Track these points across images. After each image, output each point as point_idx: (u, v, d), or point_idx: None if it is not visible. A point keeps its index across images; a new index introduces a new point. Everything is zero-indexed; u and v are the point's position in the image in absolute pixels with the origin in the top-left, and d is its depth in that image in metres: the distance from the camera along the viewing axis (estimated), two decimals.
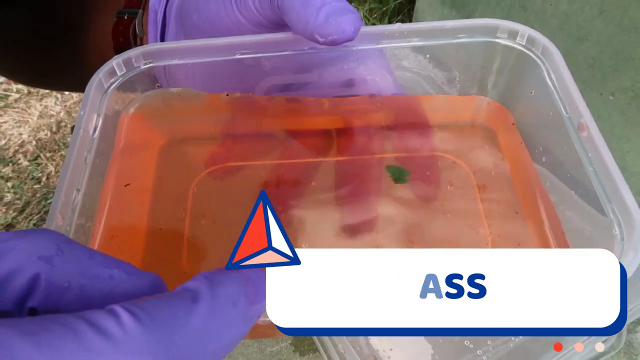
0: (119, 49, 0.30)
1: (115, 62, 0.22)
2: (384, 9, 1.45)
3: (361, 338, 0.39)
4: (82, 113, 0.20)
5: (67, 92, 1.44)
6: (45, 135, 1.29)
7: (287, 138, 0.26)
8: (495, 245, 0.23)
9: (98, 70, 0.22)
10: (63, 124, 1.32)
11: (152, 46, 0.23)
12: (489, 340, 0.39)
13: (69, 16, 0.34)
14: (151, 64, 0.23)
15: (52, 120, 1.35)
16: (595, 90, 0.45)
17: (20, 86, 1.46)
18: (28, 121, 1.36)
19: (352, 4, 1.56)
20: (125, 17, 0.31)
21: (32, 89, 1.43)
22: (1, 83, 1.46)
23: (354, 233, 0.22)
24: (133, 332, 0.12)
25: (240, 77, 0.25)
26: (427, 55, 0.24)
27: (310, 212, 0.23)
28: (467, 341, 0.39)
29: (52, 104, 1.39)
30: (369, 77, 0.25)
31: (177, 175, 0.24)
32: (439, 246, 0.22)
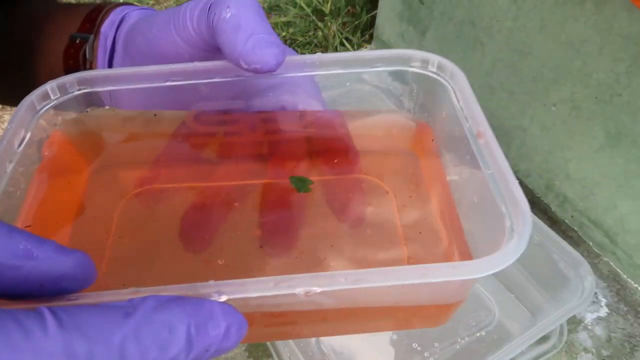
0: (68, 70, 0.31)
1: (50, 86, 0.23)
2: (357, 22, 1.48)
3: (313, 342, 0.40)
4: (9, 127, 0.21)
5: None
6: None
7: (219, 161, 0.27)
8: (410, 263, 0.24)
9: (32, 92, 0.23)
10: None
11: (87, 73, 0.24)
12: (436, 343, 0.41)
13: (24, 38, 0.34)
14: (85, 90, 0.24)
15: None
16: (539, 101, 0.47)
17: None
18: None
19: (326, 18, 1.58)
20: (77, 41, 0.32)
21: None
22: None
23: (273, 251, 0.24)
24: (54, 336, 0.13)
25: (175, 102, 0.26)
26: None
27: (231, 232, 0.24)
28: (415, 344, 0.41)
29: None
30: (299, 106, 0.26)
31: (104, 197, 0.25)
32: (356, 264, 0.23)
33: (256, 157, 0.27)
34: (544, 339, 0.39)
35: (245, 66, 0.22)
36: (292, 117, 0.27)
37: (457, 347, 0.39)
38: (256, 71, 0.22)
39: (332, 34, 1.62)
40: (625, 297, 0.44)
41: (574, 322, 0.42)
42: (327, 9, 1.66)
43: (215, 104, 0.26)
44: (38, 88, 0.23)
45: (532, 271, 0.42)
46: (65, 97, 0.24)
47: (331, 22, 1.66)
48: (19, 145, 0.21)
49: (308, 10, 1.66)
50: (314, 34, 1.58)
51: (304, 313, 0.20)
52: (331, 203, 0.26)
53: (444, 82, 0.25)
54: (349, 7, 1.72)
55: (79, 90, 0.24)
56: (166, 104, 0.26)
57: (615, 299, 0.43)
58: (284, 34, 1.60)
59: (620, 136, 0.41)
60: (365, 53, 0.25)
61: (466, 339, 0.40)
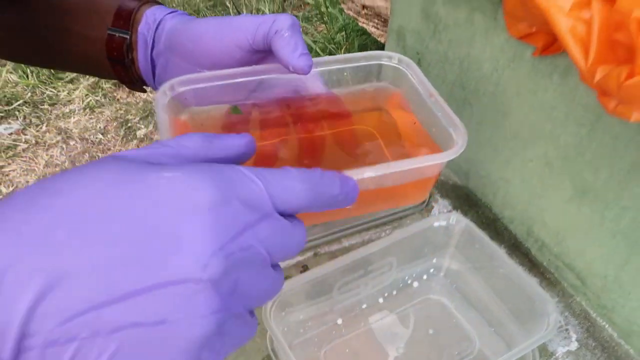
0: (112, 59, 0.44)
1: (169, 83, 0.38)
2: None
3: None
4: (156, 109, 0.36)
5: (72, 143, 1.52)
6: None
7: (265, 129, 0.43)
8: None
9: (163, 84, 0.38)
10: None
11: (185, 77, 0.38)
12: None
13: (57, 24, 0.46)
14: (185, 88, 0.39)
15: (57, 169, 1.43)
16: (519, 156, 0.53)
17: (28, 136, 1.54)
18: (35, 170, 1.44)
19: (331, 45, 1.66)
20: (117, 36, 0.43)
21: (39, 140, 1.52)
22: (11, 134, 1.55)
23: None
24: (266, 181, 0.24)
25: (236, 95, 0.41)
26: None
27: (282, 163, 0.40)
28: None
29: (58, 154, 1.47)
30: (310, 89, 0.43)
31: None
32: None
33: (286, 124, 0.43)
34: None
35: (292, 70, 0.36)
36: (306, 98, 0.43)
37: None
38: (297, 73, 0.37)
39: None
40: (594, 334, 0.48)
41: (547, 355, 0.46)
42: (340, 54, 1.74)
43: (260, 94, 0.42)
44: (166, 83, 0.38)
45: (510, 308, 0.47)
46: (174, 93, 0.38)
47: (337, 52, 1.74)
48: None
49: (323, 55, 1.75)
50: None
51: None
52: (341, 145, 0.43)
53: (402, 68, 0.44)
54: None
55: (180, 88, 0.39)
56: (231, 98, 0.41)
57: (585, 335, 0.48)
58: None
59: (585, 190, 0.46)
60: (354, 55, 0.44)
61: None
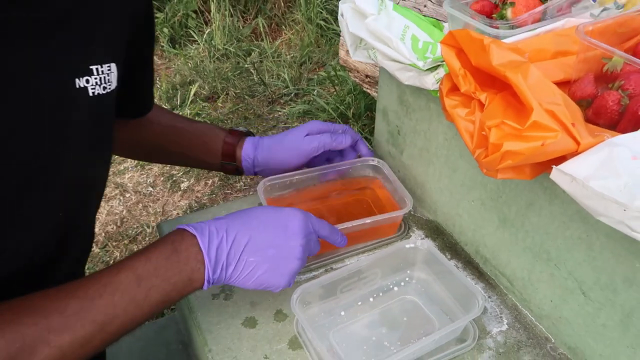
0: (225, 172, 0.85)
1: (262, 182, 0.77)
2: (373, 124, 1.83)
3: None
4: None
5: (127, 195, 1.78)
6: (112, 228, 1.62)
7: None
8: None
9: (260, 183, 0.79)
10: (125, 220, 1.65)
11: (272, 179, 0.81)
12: (399, 342, 0.66)
13: (185, 142, 0.85)
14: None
15: (117, 217, 1.68)
16: (466, 199, 0.75)
17: None
18: (98, 218, 1.69)
19: (349, 121, 1.93)
20: (227, 164, 0.83)
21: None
22: None
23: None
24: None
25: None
26: None
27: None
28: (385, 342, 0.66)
29: (116, 204, 1.73)
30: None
31: None
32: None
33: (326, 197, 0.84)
34: (463, 340, 0.65)
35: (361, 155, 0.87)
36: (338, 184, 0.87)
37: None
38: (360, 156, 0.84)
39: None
40: (519, 318, 0.69)
41: (485, 332, 0.67)
42: (350, 113, 2.00)
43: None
44: (262, 181, 0.77)
45: (458, 300, 0.67)
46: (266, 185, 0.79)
47: (354, 125, 1.99)
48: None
49: (334, 115, 2.00)
50: None
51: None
52: (352, 207, 0.85)
53: (380, 166, 0.85)
54: (368, 112, 2.06)
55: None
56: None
57: (513, 320, 0.69)
58: None
59: (505, 221, 0.68)
60: (355, 160, 0.87)
61: (416, 340, 0.66)
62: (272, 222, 0.59)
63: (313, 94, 2.13)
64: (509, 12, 0.72)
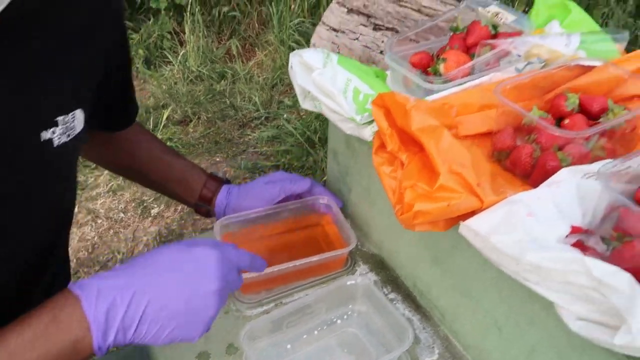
0: (198, 211, 0.92)
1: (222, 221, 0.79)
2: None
3: None
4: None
5: (99, 221, 1.81)
6: (83, 254, 1.65)
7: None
8: None
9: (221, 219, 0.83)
10: (96, 245, 1.68)
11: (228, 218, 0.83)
12: None
13: (165, 176, 0.91)
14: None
15: (88, 243, 1.71)
16: (403, 237, 0.81)
17: None
18: (70, 244, 1.72)
19: (316, 146, 1.99)
20: (202, 208, 0.89)
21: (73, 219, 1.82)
22: None
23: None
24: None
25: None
26: None
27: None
28: None
29: (88, 230, 1.76)
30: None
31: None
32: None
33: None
34: None
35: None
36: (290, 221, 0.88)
37: None
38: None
39: (320, 158, 2.00)
40: (449, 349, 0.75)
41: None
42: (316, 138, 2.07)
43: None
44: (220, 219, 0.81)
45: (393, 332, 0.74)
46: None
47: (319, 149, 2.06)
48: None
49: (302, 139, 2.06)
50: (306, 159, 1.97)
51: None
52: (301, 243, 0.90)
53: (330, 204, 0.91)
54: None
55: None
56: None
57: (443, 350, 0.75)
58: (282, 160, 2.00)
59: (436, 259, 0.75)
60: (305, 199, 0.92)
61: None
62: (180, 269, 0.53)
63: (283, 118, 2.19)
64: (441, 67, 0.79)
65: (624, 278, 0.44)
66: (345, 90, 0.80)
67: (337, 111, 0.79)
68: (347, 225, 0.86)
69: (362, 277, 0.77)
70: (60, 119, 0.53)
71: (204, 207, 0.89)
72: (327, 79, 0.81)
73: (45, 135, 0.52)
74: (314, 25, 3.02)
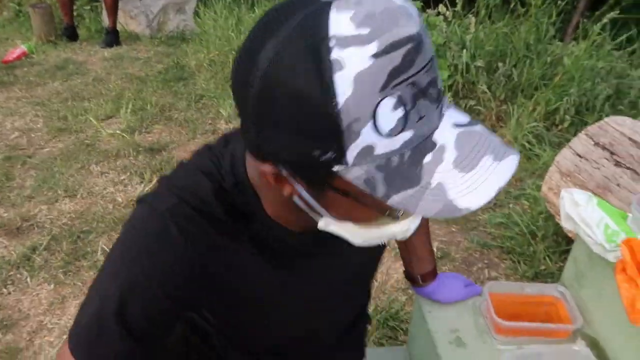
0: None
1: None
2: None
3: None
4: None
5: None
6: None
7: None
8: None
9: None
10: None
11: None
12: None
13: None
14: None
15: None
16: None
17: None
18: None
19: None
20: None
21: None
22: None
23: None
24: None
25: None
26: None
27: None
28: None
29: None
30: None
31: None
32: None
33: None
34: None
35: None
36: None
37: None
38: None
39: (540, 250, 2.31)
40: None
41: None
42: (540, 234, 2.40)
43: None
44: None
45: None
46: None
47: (539, 244, 2.37)
48: None
49: (526, 231, 2.39)
50: (527, 248, 2.31)
51: None
52: None
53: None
54: (554, 235, 2.41)
55: None
56: None
57: None
58: (507, 244, 2.36)
59: None
60: None
61: None
62: None
63: (509, 208, 2.57)
64: None
65: None
66: (599, 225, 1.20)
67: (590, 236, 1.20)
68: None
69: (585, 348, 1.15)
70: None
71: (417, 281, 1.16)
72: (587, 213, 1.22)
73: None
74: (547, 130, 3.34)
